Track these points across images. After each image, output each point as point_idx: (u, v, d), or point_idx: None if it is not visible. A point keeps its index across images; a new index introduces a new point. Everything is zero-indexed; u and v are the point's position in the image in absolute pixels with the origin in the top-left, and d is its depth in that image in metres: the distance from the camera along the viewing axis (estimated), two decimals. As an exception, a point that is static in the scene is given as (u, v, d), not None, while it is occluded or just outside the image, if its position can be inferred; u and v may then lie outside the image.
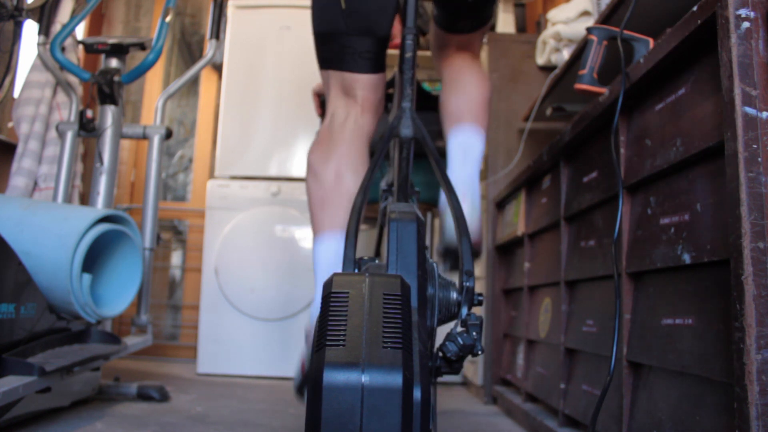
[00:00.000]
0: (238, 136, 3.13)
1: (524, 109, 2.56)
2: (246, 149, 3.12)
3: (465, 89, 1.42)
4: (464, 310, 0.89)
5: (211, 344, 2.92)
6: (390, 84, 2.04)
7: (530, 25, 3.06)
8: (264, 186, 3.03)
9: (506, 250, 2.38)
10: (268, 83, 3.17)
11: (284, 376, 2.89)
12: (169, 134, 2.26)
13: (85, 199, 2.68)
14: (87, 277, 1.68)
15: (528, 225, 2.02)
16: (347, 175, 1.31)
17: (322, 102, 2.03)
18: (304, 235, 2.98)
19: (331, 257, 1.27)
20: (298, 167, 3.12)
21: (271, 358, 2.91)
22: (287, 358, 2.90)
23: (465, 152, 1.34)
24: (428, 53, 1.66)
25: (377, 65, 1.36)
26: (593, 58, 1.28)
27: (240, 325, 2.92)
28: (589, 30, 1.31)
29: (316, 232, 1.31)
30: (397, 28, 2.45)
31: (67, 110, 2.50)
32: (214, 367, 2.91)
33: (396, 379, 0.59)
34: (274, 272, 2.96)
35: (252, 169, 3.10)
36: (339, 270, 1.20)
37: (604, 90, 1.27)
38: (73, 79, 2.48)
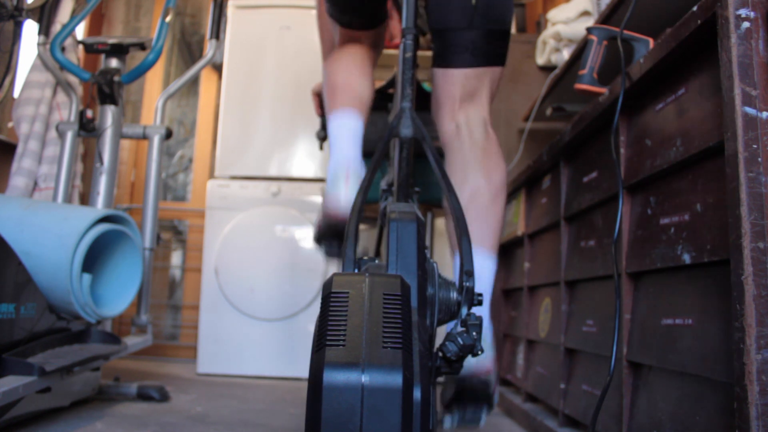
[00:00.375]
0: (238, 136, 3.13)
1: (524, 109, 2.56)
2: (246, 149, 3.12)
3: (475, 201, 1.24)
4: (464, 310, 0.89)
5: (211, 344, 2.92)
6: (390, 84, 2.05)
7: (530, 25, 3.06)
8: (264, 186, 3.03)
9: (506, 250, 2.38)
10: (268, 83, 3.17)
11: (284, 376, 2.89)
12: (169, 134, 2.26)
13: (85, 199, 2.68)
14: (87, 277, 1.68)
15: (528, 225, 2.02)
16: (354, 73, 1.39)
17: (321, 102, 2.03)
18: (304, 235, 2.98)
19: (344, 132, 1.31)
20: (298, 167, 3.12)
21: (271, 358, 2.91)
22: (287, 358, 2.90)
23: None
24: (428, 53, 1.64)
25: (379, 19, 1.43)
26: (593, 58, 1.28)
27: (240, 325, 2.92)
28: (589, 30, 1.31)
29: (329, 112, 1.37)
30: (397, 28, 2.45)
31: (67, 110, 2.50)
32: (214, 367, 2.91)
33: (396, 379, 0.59)
34: (274, 272, 2.96)
35: (252, 169, 3.10)
36: (350, 141, 1.30)
37: (604, 90, 1.28)
38: (73, 79, 2.48)
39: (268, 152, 3.12)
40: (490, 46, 1.31)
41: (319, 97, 2.04)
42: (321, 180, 3.11)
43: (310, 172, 3.13)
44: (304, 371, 2.88)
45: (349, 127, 1.33)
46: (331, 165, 1.29)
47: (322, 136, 2.07)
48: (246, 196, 3.02)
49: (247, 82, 3.17)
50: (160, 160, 2.25)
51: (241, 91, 3.16)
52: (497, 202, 1.26)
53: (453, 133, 1.33)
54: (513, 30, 2.98)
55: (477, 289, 1.24)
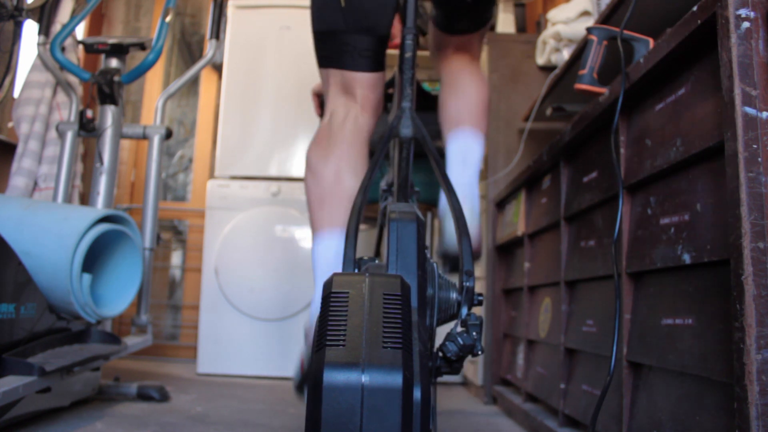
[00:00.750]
0: (238, 136, 3.13)
1: (524, 109, 2.56)
2: (246, 149, 3.12)
3: (464, 92, 1.42)
4: (464, 310, 0.89)
5: (211, 344, 2.92)
6: (390, 84, 2.04)
7: (530, 25, 3.06)
8: (264, 186, 3.03)
9: (506, 250, 2.39)
10: (268, 83, 3.17)
11: (284, 376, 2.89)
12: (169, 134, 2.26)
13: (85, 199, 2.69)
14: (87, 277, 1.68)
15: (528, 225, 2.02)
16: (346, 174, 1.31)
17: (321, 102, 2.03)
18: (304, 235, 2.98)
19: (330, 256, 1.27)
20: (298, 167, 3.12)
21: (271, 358, 2.91)
22: (287, 358, 2.90)
23: (464, 157, 1.34)
24: (428, 53, 1.65)
25: (377, 64, 1.36)
26: (593, 58, 1.28)
27: (240, 325, 2.93)
28: (589, 30, 1.31)
29: (315, 231, 1.32)
30: (396, 27, 2.44)
31: (67, 110, 2.50)
32: (214, 367, 2.91)
33: (396, 379, 0.59)
34: (274, 272, 2.96)
35: (252, 169, 3.10)
36: (338, 269, 1.21)
37: (604, 90, 1.27)
38: (73, 79, 2.48)
39: (268, 152, 3.12)
40: (485, 13, 1.46)
41: (318, 98, 2.04)
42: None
43: (310, 172, 3.13)
44: (304, 371, 2.88)
45: (338, 252, 1.26)
46: (317, 298, 1.23)
47: None
48: (246, 196, 3.02)
49: (247, 82, 3.17)
50: (160, 160, 2.25)
51: (241, 91, 3.16)
52: (484, 89, 1.46)
53: (451, 64, 1.51)
54: (513, 30, 2.98)
55: (464, 171, 1.31)
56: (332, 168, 1.31)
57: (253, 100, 3.16)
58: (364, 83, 1.36)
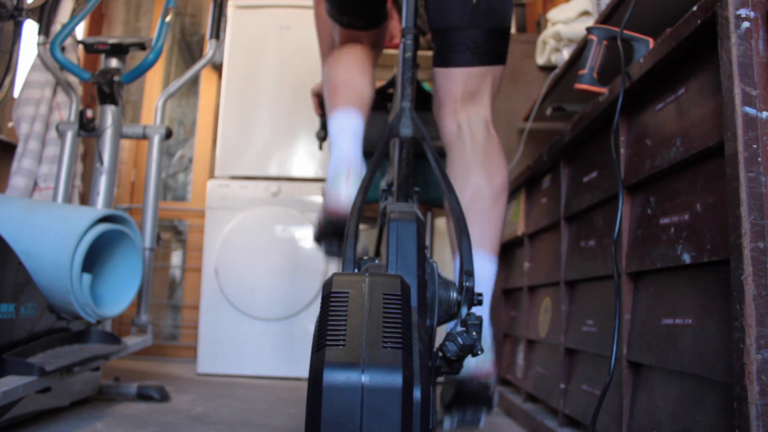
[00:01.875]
0: (238, 136, 3.13)
1: (524, 109, 2.56)
2: (246, 149, 3.12)
3: (476, 203, 1.23)
4: (464, 310, 0.89)
5: (211, 344, 2.92)
6: (390, 84, 2.04)
7: (530, 25, 3.06)
8: (264, 186, 3.03)
9: (506, 250, 2.39)
10: (268, 83, 3.17)
11: (284, 376, 2.89)
12: (169, 134, 2.26)
13: (85, 199, 2.68)
14: (87, 277, 1.68)
15: (528, 225, 2.02)
16: (357, 75, 1.39)
17: (321, 102, 2.03)
18: (304, 235, 2.98)
19: (344, 128, 1.32)
20: (298, 167, 3.12)
21: (271, 358, 2.91)
22: (287, 358, 2.90)
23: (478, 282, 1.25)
24: (429, 53, 1.64)
25: (379, 19, 1.43)
26: (593, 58, 1.28)
27: (240, 325, 2.93)
28: (589, 30, 1.31)
29: (330, 110, 1.37)
30: (396, 27, 2.44)
31: (67, 110, 2.50)
32: (214, 367, 2.91)
33: (396, 379, 0.59)
34: (274, 272, 2.96)
35: (252, 169, 3.10)
36: (350, 140, 1.30)
37: (604, 90, 1.27)
38: (73, 79, 2.48)
39: (268, 152, 3.12)
40: (491, 45, 1.31)
41: (318, 97, 2.04)
42: (321, 180, 3.11)
43: (310, 171, 3.14)
44: (304, 371, 2.88)
45: (349, 126, 1.33)
46: (332, 163, 1.29)
47: (322, 136, 2.07)
48: (246, 196, 3.02)
49: (247, 81, 3.17)
50: (160, 160, 2.25)
51: (241, 91, 3.16)
52: (498, 203, 1.25)
53: (455, 134, 1.33)
54: (513, 30, 2.98)
55: (477, 291, 1.22)
56: (344, 67, 1.40)
57: (253, 99, 3.16)
58: (369, 35, 1.45)
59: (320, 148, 2.16)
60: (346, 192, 1.24)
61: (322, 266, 2.95)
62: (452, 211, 1.06)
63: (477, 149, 1.29)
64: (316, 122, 3.10)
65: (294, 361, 2.91)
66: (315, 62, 3.09)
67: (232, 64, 3.18)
